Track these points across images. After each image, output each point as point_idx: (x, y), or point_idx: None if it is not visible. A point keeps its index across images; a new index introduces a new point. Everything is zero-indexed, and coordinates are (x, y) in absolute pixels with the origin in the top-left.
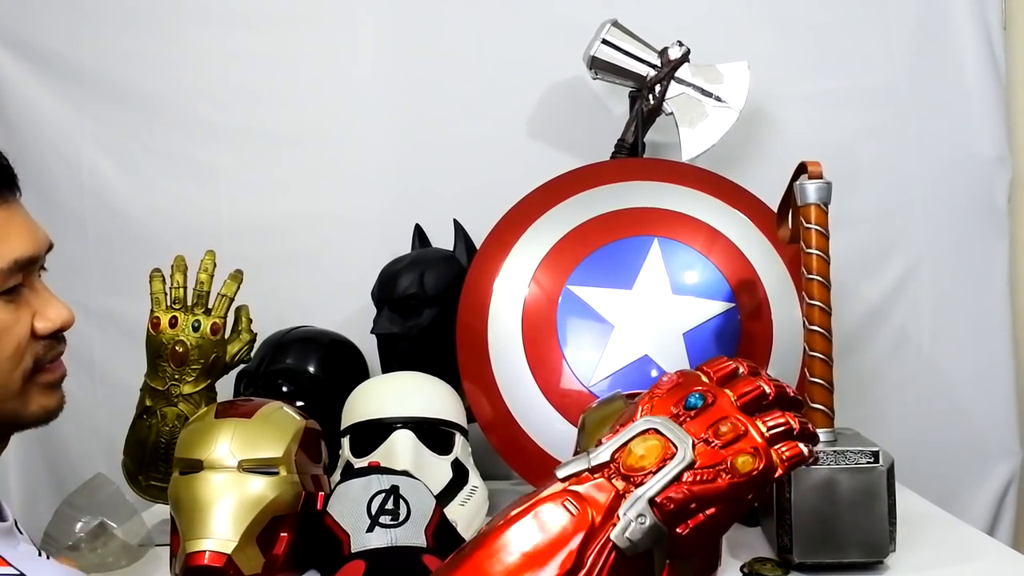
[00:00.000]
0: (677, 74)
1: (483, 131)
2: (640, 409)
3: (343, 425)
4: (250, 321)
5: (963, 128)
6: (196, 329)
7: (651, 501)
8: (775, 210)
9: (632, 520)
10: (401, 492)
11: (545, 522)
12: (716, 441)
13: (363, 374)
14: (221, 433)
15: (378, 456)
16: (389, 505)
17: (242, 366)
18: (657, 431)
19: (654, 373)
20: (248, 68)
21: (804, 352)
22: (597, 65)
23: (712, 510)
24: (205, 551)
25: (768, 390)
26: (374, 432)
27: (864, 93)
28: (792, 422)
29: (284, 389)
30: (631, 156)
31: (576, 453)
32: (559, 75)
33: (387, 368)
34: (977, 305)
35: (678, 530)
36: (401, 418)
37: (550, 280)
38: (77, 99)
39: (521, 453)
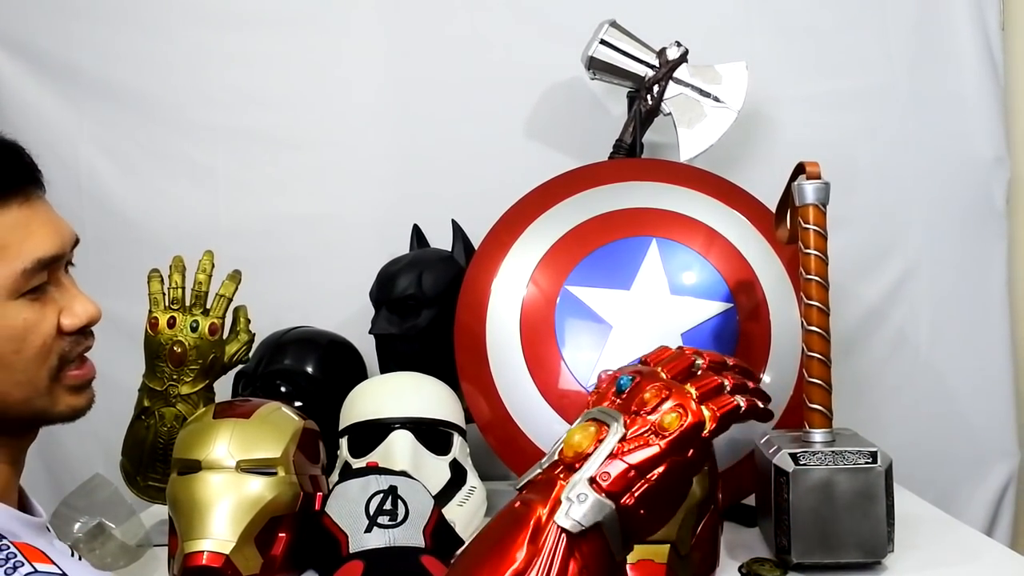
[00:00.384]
0: (675, 74)
1: (481, 131)
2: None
3: (341, 425)
4: (248, 321)
5: (961, 129)
6: (194, 330)
7: (591, 480)
8: (773, 211)
9: (573, 500)
10: (399, 492)
11: (499, 527)
12: (644, 410)
13: (361, 375)
14: (219, 433)
15: (376, 456)
16: (387, 505)
17: (240, 366)
18: (594, 419)
19: None
20: (246, 69)
21: (802, 353)
22: (595, 65)
23: (654, 474)
24: (203, 551)
25: (700, 361)
26: (372, 432)
27: (862, 94)
28: (726, 381)
29: (282, 389)
30: (629, 156)
31: None
32: (557, 75)
33: (385, 369)
34: (975, 306)
35: (624, 501)
36: (399, 418)
37: (548, 280)
38: (75, 100)
39: (519, 453)
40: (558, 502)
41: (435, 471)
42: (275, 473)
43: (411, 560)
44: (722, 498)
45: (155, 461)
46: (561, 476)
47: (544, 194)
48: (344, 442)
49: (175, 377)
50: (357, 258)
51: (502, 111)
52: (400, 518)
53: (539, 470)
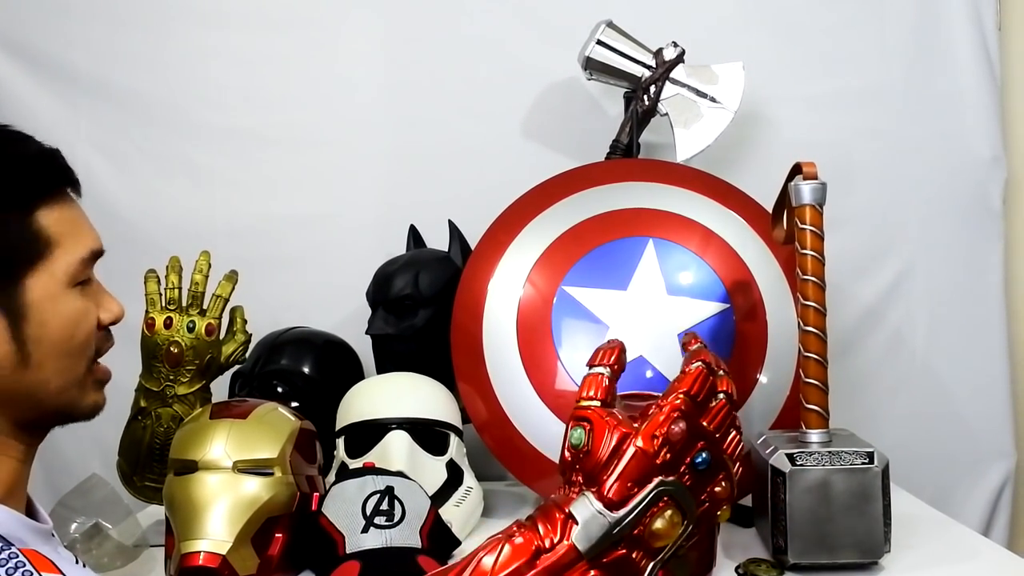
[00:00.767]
0: (672, 75)
1: (478, 132)
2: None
3: (338, 426)
4: (245, 322)
5: (958, 129)
6: (191, 330)
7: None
8: (770, 211)
9: None
10: (396, 493)
11: None
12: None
13: (358, 375)
14: (216, 434)
15: (373, 457)
16: (384, 506)
17: (237, 367)
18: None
19: (649, 374)
20: (243, 70)
21: (799, 353)
22: (592, 66)
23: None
24: (200, 552)
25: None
26: (369, 433)
27: (859, 94)
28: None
29: (279, 390)
30: (626, 157)
31: None
32: (554, 76)
33: (382, 369)
34: (972, 306)
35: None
36: (396, 419)
37: (545, 281)
38: (72, 100)
39: (516, 454)
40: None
41: (432, 471)
42: (272, 473)
43: (408, 560)
44: None
45: (152, 461)
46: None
47: (541, 194)
48: (341, 442)
49: (171, 377)
50: (354, 258)
51: (499, 111)
52: (397, 518)
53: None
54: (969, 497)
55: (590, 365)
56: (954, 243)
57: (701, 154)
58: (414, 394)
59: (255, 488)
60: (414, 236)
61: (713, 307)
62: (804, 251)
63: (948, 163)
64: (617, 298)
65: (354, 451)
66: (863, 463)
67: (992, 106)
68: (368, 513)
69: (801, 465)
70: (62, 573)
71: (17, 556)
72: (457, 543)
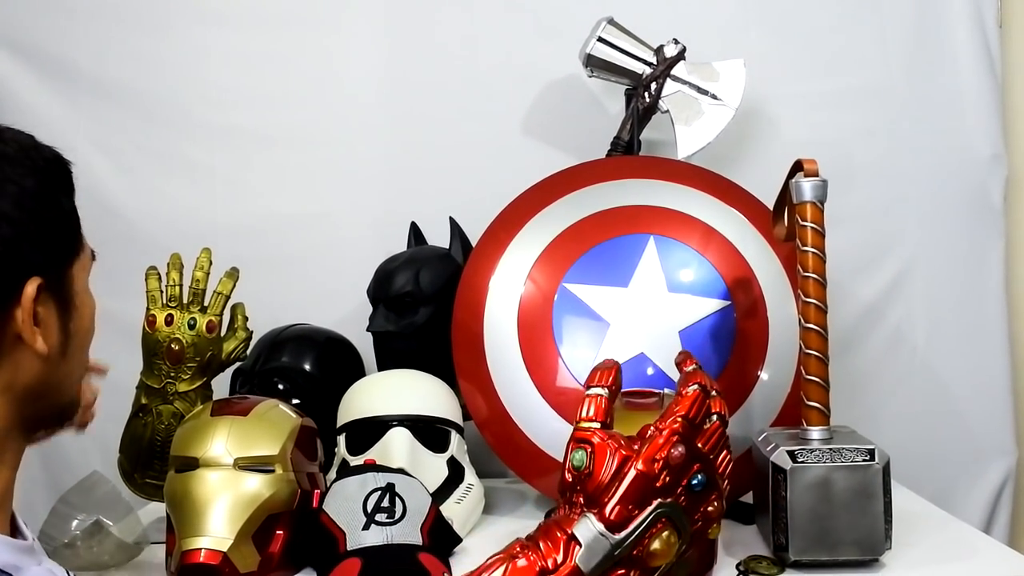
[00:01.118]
0: (673, 72)
1: (478, 129)
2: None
3: (339, 423)
4: (246, 319)
5: (959, 126)
6: (192, 327)
7: None
8: (771, 208)
9: None
10: (397, 490)
11: None
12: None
13: (359, 372)
14: (217, 431)
15: (374, 454)
16: (385, 503)
17: (238, 364)
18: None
19: (650, 371)
20: (243, 68)
21: (800, 350)
22: (593, 63)
23: None
24: (201, 549)
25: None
26: (370, 430)
27: (860, 91)
28: None
29: (280, 387)
30: (627, 154)
31: None
32: (555, 73)
33: (383, 366)
34: (973, 303)
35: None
36: (397, 416)
37: (546, 278)
38: (72, 99)
39: (517, 451)
40: None
41: (433, 468)
42: (273, 471)
43: (408, 557)
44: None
45: (153, 459)
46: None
47: (542, 192)
48: (342, 440)
49: (173, 375)
50: (355, 256)
51: (500, 109)
52: (398, 515)
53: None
54: (970, 494)
55: (587, 386)
56: (955, 241)
57: (702, 151)
58: (415, 391)
59: (256, 485)
60: (415, 233)
61: (714, 304)
62: (805, 248)
63: (949, 161)
64: (618, 295)
65: (355, 448)
66: (864, 460)
67: (993, 104)
68: (369, 510)
69: (802, 462)
70: None
71: None
72: (458, 540)
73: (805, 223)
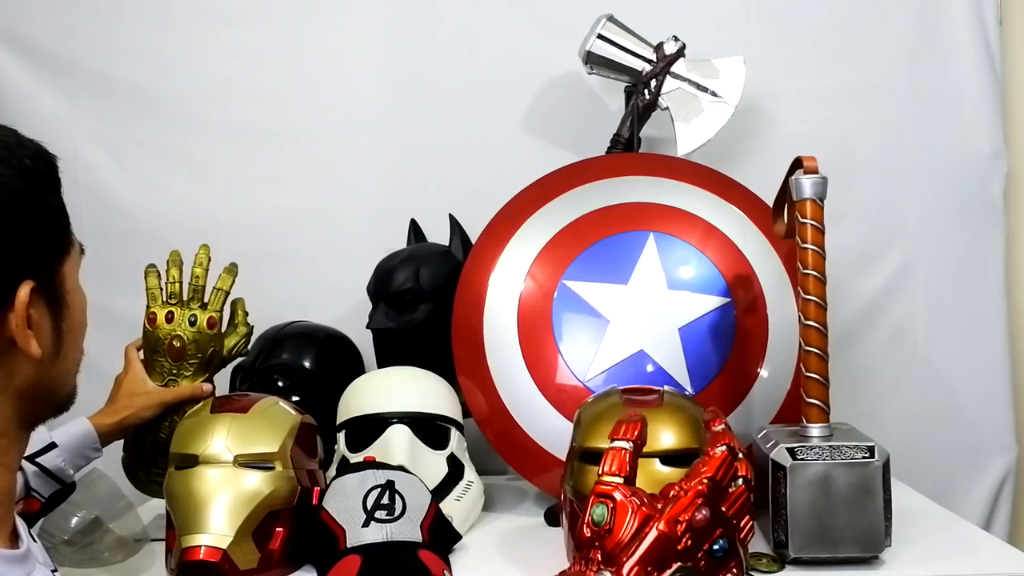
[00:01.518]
0: (673, 69)
1: (478, 126)
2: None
3: (339, 420)
4: (246, 314)
5: (959, 123)
6: (193, 324)
7: None
8: (771, 205)
9: None
10: (396, 487)
11: None
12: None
13: (359, 369)
14: (217, 428)
15: (374, 451)
16: (384, 500)
17: (239, 360)
18: None
19: (650, 368)
20: (244, 64)
21: (800, 347)
22: (593, 60)
23: None
24: (201, 546)
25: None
26: (370, 427)
27: (860, 88)
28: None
29: (280, 384)
30: (627, 151)
31: (571, 448)
32: (555, 70)
33: (383, 363)
34: (973, 300)
35: None
36: (397, 413)
37: (546, 275)
38: (73, 95)
39: (517, 448)
40: None
41: (432, 466)
42: (272, 468)
43: (408, 554)
44: None
45: (157, 455)
46: None
47: (541, 189)
48: (341, 437)
49: (175, 371)
50: (354, 253)
51: (499, 106)
52: (397, 513)
53: None
54: (970, 491)
55: (612, 438)
56: (955, 238)
57: (702, 148)
58: (415, 388)
59: (256, 482)
60: (415, 230)
61: (714, 301)
62: (805, 245)
63: (949, 158)
64: (618, 292)
65: (355, 445)
66: (864, 457)
67: (993, 101)
68: (369, 507)
69: (802, 459)
70: None
71: None
72: (458, 537)
73: (805, 220)
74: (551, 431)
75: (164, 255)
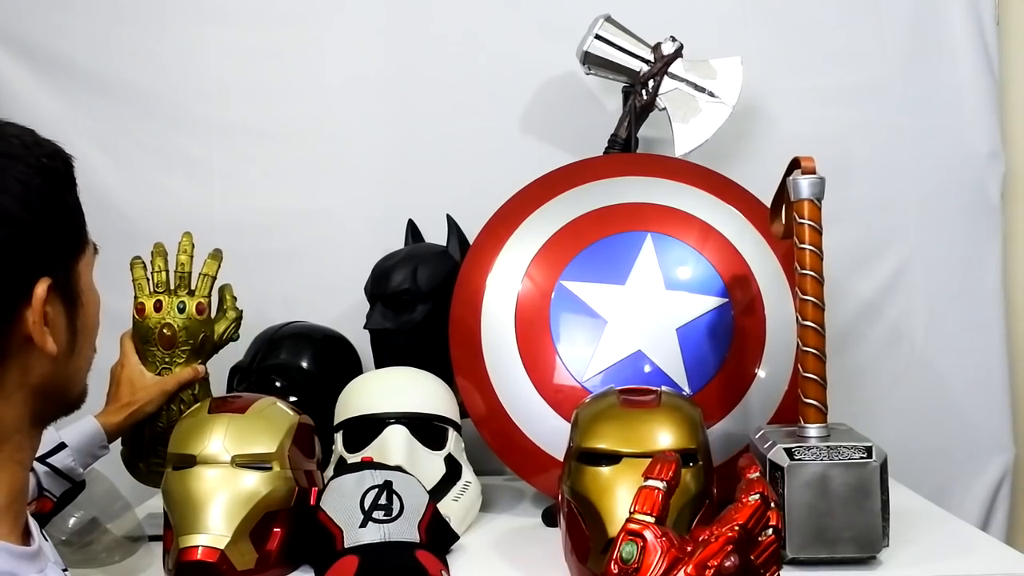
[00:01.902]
0: (670, 69)
1: (476, 126)
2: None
3: (336, 420)
4: (234, 299)
5: (956, 123)
6: (182, 311)
7: None
8: (768, 205)
9: None
10: (394, 487)
11: None
12: None
13: (356, 369)
14: (214, 428)
15: (371, 451)
16: (382, 500)
17: (233, 356)
18: None
19: (647, 368)
20: (241, 64)
21: (797, 347)
22: (590, 60)
23: None
24: (198, 546)
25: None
26: (367, 427)
27: (857, 88)
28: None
29: (277, 384)
30: (624, 151)
31: (568, 448)
32: (552, 70)
33: (380, 363)
34: (970, 301)
35: None
36: (394, 413)
37: (543, 275)
38: (70, 94)
39: (514, 448)
40: None
41: (430, 466)
42: (270, 468)
43: (406, 555)
44: (717, 493)
45: (156, 445)
46: None
47: (539, 189)
48: (339, 437)
49: (168, 360)
50: (352, 253)
51: (497, 106)
52: (395, 513)
53: None
54: (967, 492)
55: (646, 477)
56: (952, 238)
57: (699, 149)
58: (412, 389)
59: (253, 483)
60: (412, 230)
61: (711, 302)
62: (802, 246)
63: (946, 158)
64: (615, 292)
65: (352, 446)
66: (861, 458)
67: (990, 101)
68: (366, 507)
69: (799, 460)
70: None
71: None
72: (455, 538)
73: (803, 220)
74: (549, 431)
75: None
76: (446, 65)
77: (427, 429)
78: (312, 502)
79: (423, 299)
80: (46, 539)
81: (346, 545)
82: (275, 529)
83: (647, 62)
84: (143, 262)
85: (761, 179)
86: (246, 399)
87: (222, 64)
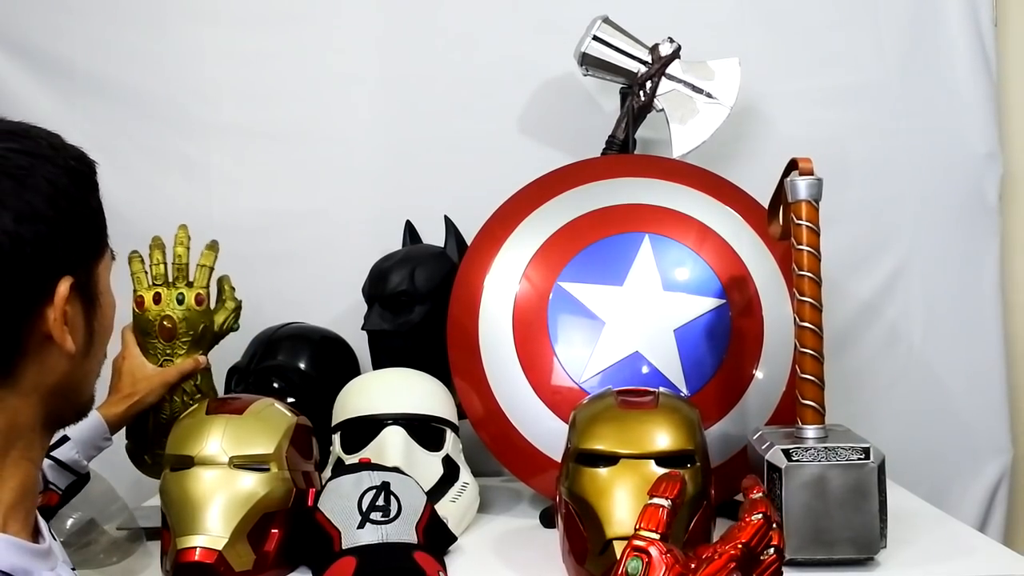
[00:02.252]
0: (668, 70)
1: (474, 127)
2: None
3: (334, 421)
4: (233, 289)
5: (954, 125)
6: (181, 302)
7: None
8: (766, 206)
9: None
10: (392, 488)
11: None
12: None
13: (354, 370)
14: (212, 429)
15: (369, 453)
16: (380, 501)
17: (236, 361)
18: None
19: (645, 370)
20: (239, 65)
21: (795, 348)
22: (588, 62)
23: None
24: (196, 547)
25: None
26: (365, 428)
27: (855, 90)
28: None
29: (275, 385)
30: (622, 152)
31: (566, 449)
32: (550, 71)
33: (378, 364)
34: (968, 302)
35: None
36: (392, 414)
37: (541, 276)
38: (68, 96)
39: (512, 449)
40: None
41: (428, 467)
42: (268, 469)
43: (404, 556)
44: (715, 494)
45: (160, 436)
46: None
47: (537, 190)
48: (337, 438)
49: (168, 352)
50: (350, 254)
51: (495, 107)
52: (393, 514)
53: None
54: (965, 493)
55: (651, 495)
56: (950, 239)
57: (697, 150)
58: (410, 390)
59: (251, 484)
60: (410, 232)
61: (709, 303)
62: (800, 247)
63: (944, 159)
64: (613, 294)
65: (350, 447)
66: (859, 459)
67: (988, 102)
68: (364, 509)
69: (797, 461)
70: None
71: None
72: (453, 539)
73: (800, 221)
74: (546, 433)
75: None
76: (443, 66)
77: (425, 430)
78: (310, 503)
79: (421, 300)
80: (55, 538)
81: (344, 546)
82: (273, 530)
83: (645, 63)
84: (140, 256)
85: (759, 180)
86: (244, 400)
87: (220, 66)
